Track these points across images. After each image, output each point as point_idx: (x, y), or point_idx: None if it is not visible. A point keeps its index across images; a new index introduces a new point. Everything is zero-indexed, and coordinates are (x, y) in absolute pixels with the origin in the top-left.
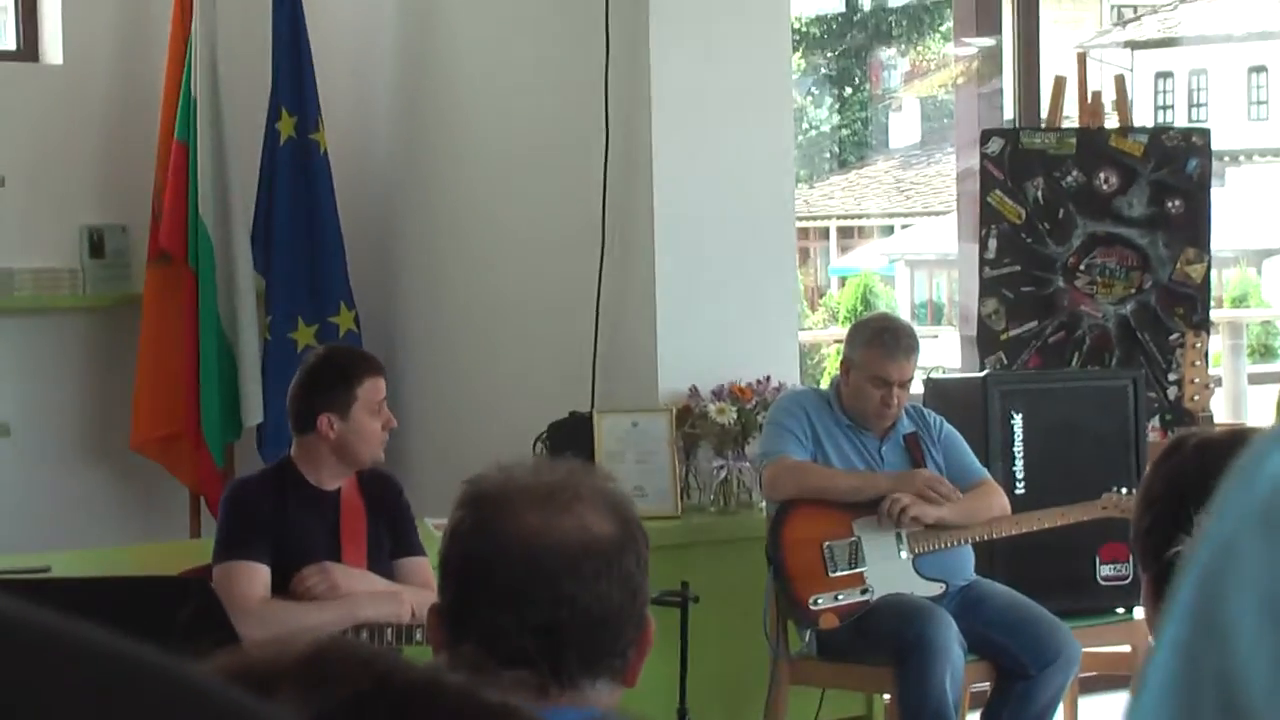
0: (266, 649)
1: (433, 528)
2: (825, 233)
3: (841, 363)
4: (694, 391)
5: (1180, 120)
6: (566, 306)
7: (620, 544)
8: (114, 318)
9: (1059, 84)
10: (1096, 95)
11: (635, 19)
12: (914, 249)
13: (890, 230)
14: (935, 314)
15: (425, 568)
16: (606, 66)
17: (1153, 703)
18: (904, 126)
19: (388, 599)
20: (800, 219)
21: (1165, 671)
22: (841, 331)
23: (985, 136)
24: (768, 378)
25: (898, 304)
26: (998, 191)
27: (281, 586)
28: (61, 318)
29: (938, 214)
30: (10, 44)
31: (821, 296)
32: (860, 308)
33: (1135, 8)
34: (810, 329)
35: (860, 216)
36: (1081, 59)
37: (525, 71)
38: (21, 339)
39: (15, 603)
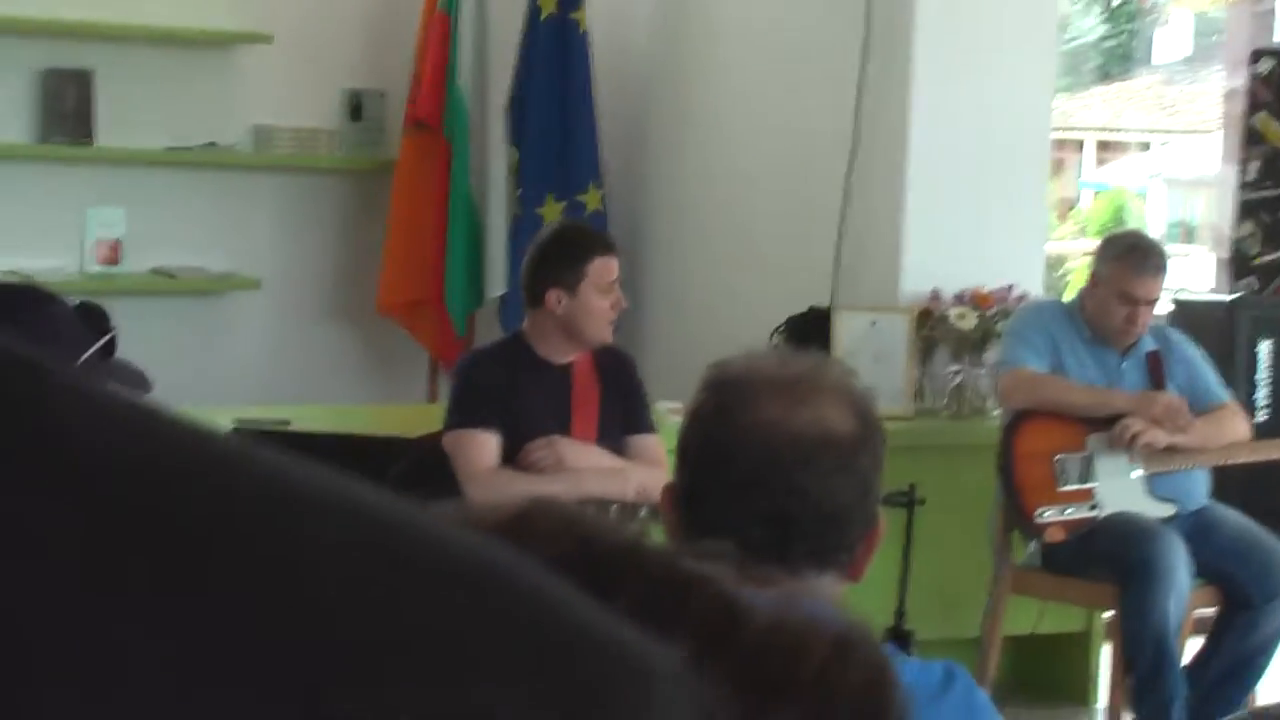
0: (477, 509)
1: (666, 411)
2: (1081, 145)
3: (1089, 276)
4: (935, 295)
5: None
6: (813, 202)
7: (858, 441)
8: (368, 181)
9: None
10: None
11: None
12: (1172, 167)
13: (1148, 146)
14: (1188, 235)
15: (655, 445)
16: None
17: None
18: (1171, 41)
19: (613, 476)
20: (1057, 129)
21: None
22: (1090, 245)
23: (1255, 56)
24: (1011, 286)
25: (1150, 222)
26: (1264, 113)
27: (510, 458)
28: (317, 178)
29: (1200, 133)
30: None
31: (1072, 209)
32: (1111, 223)
33: None
34: (1059, 240)
35: (1119, 130)
36: None
37: None
38: (278, 196)
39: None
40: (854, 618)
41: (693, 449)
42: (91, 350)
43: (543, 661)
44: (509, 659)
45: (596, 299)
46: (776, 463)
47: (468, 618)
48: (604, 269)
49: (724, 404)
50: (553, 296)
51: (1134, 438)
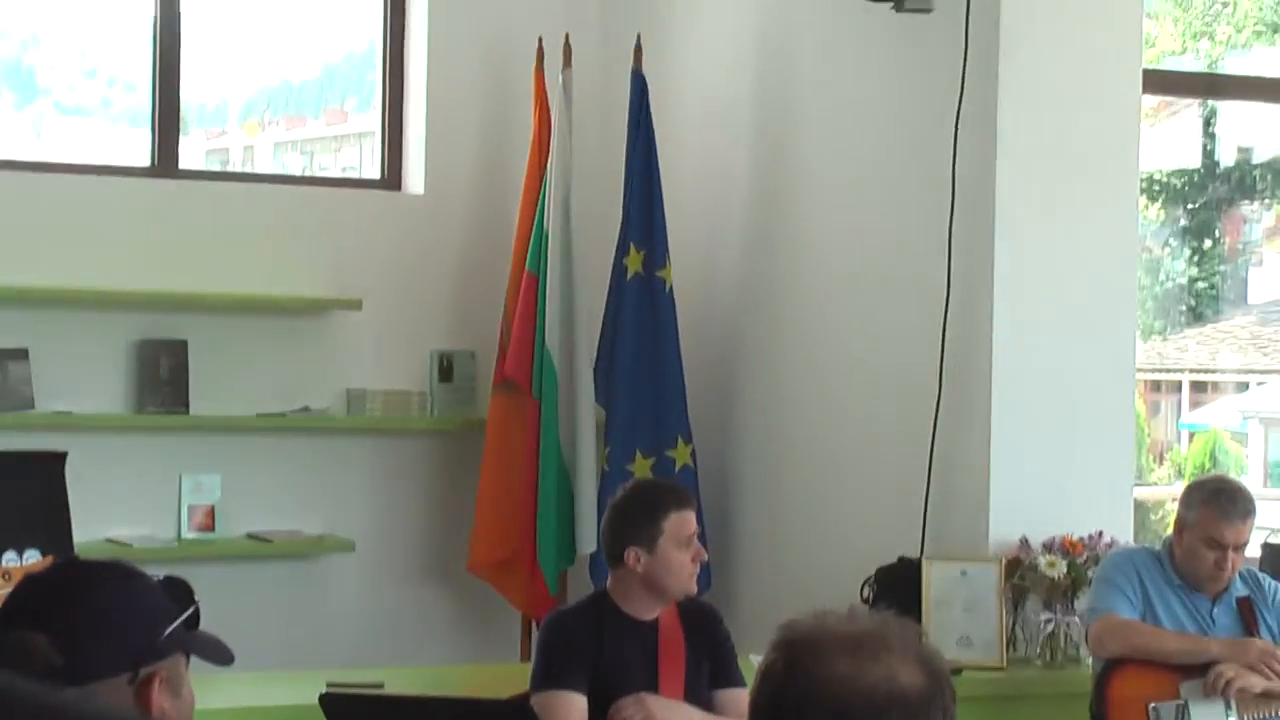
0: None
1: (756, 664)
2: (1178, 386)
3: (1175, 522)
4: (1024, 543)
5: None
6: (900, 450)
7: (927, 696)
8: (459, 441)
9: None
10: None
11: (982, 170)
12: (1270, 406)
13: (1245, 386)
14: None
15: (744, 699)
16: (951, 215)
17: None
18: (1264, 281)
19: None
20: (1153, 371)
21: None
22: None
23: None
24: (1100, 533)
25: (1248, 462)
26: None
27: (599, 717)
28: (409, 439)
29: None
30: (376, 173)
31: (1169, 451)
32: (1208, 464)
33: None
34: (1156, 484)
35: (1214, 371)
36: None
37: (873, 213)
38: (371, 457)
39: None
40: None
41: (765, 707)
42: (176, 623)
43: None
44: None
45: (676, 553)
46: (848, 718)
47: None
48: (681, 523)
49: (794, 661)
50: (631, 555)
51: (1228, 684)
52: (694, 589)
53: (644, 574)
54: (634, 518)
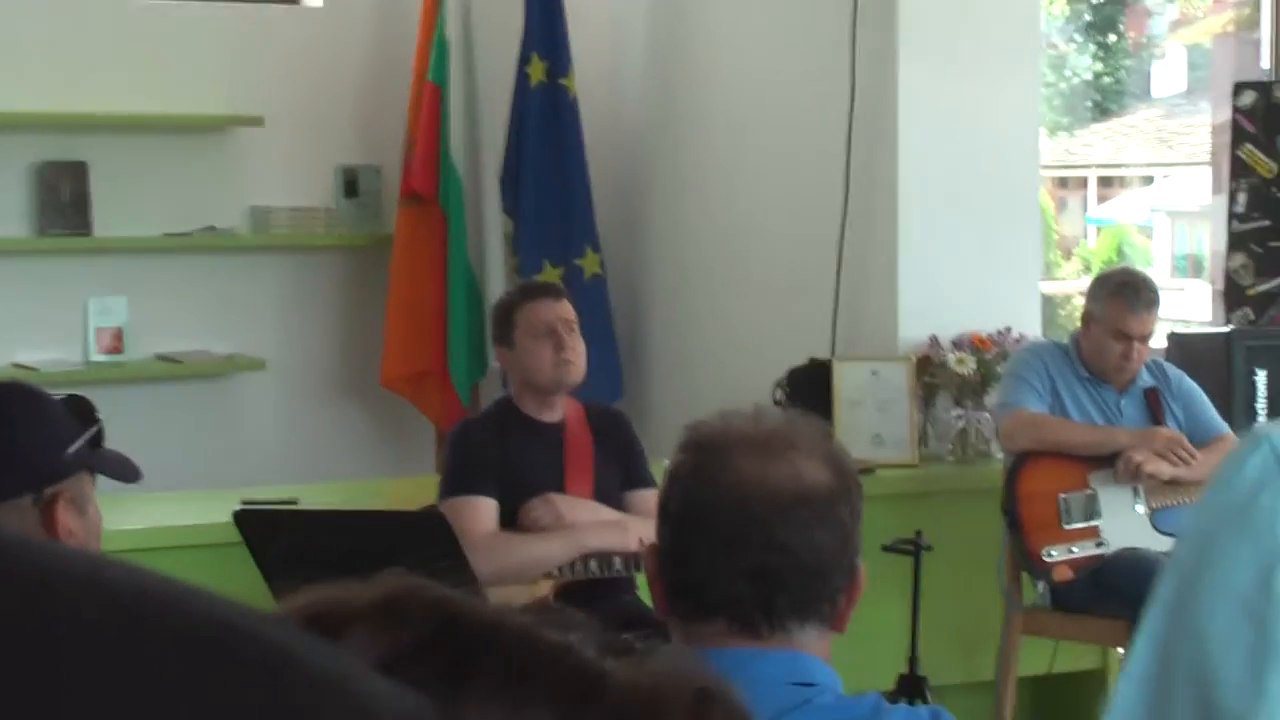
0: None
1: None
2: (1084, 182)
3: (1082, 315)
4: (934, 341)
5: None
6: (809, 254)
7: (834, 492)
8: (366, 256)
9: None
10: None
11: None
12: (1174, 200)
13: (1151, 180)
14: (1195, 267)
15: (655, 499)
16: (855, 13)
17: (1130, 693)
18: (1168, 75)
19: (613, 528)
20: (1059, 168)
21: (1142, 664)
22: None
23: (1238, 89)
24: (1008, 329)
25: (1155, 256)
26: (1249, 145)
27: (512, 521)
28: (316, 256)
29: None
30: None
31: (1076, 247)
32: (1115, 259)
33: None
34: (1064, 279)
35: (1120, 166)
36: None
37: (775, 22)
38: (278, 275)
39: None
40: (713, 672)
41: (673, 509)
42: (80, 441)
43: (272, 703)
44: (236, 704)
45: (533, 344)
46: (755, 519)
47: (198, 670)
48: (532, 313)
49: (701, 464)
50: (498, 353)
51: (1137, 468)
52: (565, 378)
53: (511, 369)
54: (495, 318)
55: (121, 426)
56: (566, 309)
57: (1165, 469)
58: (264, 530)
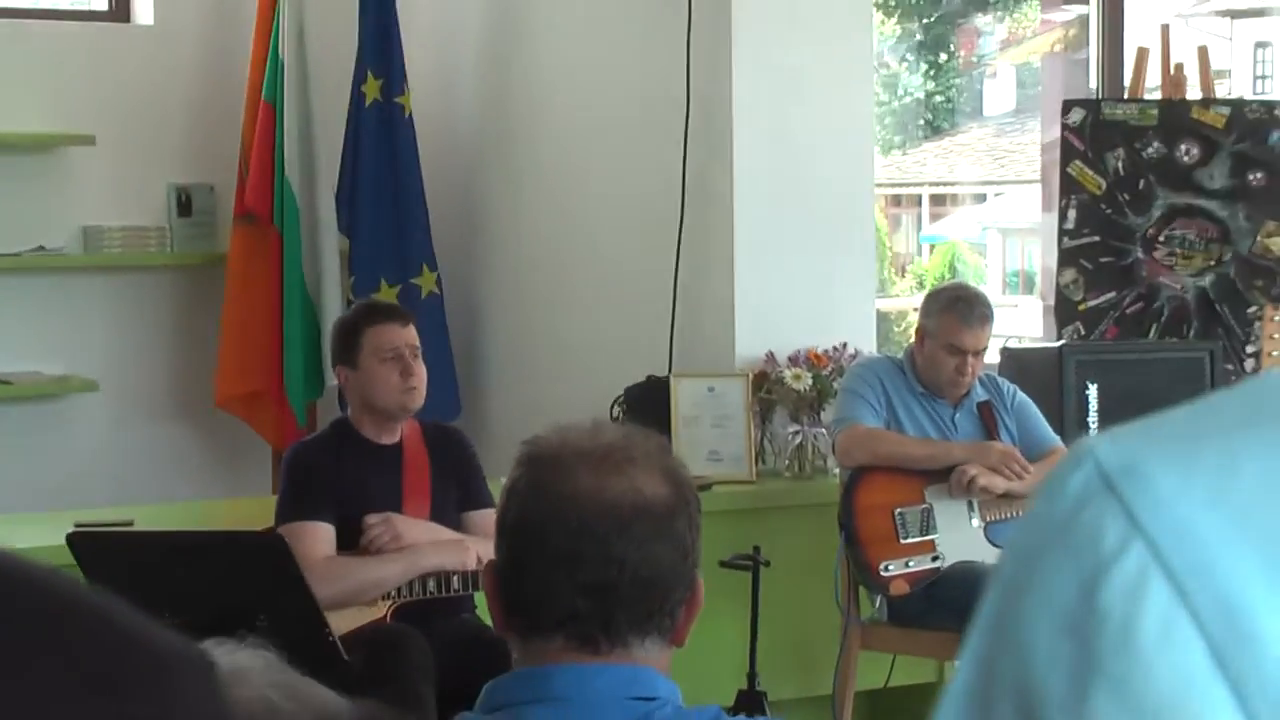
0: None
1: None
2: (918, 200)
3: (916, 330)
4: (770, 357)
5: (1279, 90)
6: (646, 272)
7: (671, 506)
8: (200, 276)
9: (1141, 55)
10: (1179, 67)
11: None
12: (1006, 216)
13: (983, 198)
14: (1027, 283)
15: (493, 519)
16: (689, 32)
17: (952, 709)
18: (998, 94)
19: (452, 547)
20: (893, 185)
21: (963, 682)
22: None
23: (1066, 107)
24: (844, 345)
25: (987, 272)
26: (1078, 162)
27: (349, 544)
28: (149, 275)
29: (1031, 182)
30: (103, 3)
31: (911, 264)
32: (948, 275)
33: None
34: (898, 296)
35: (953, 184)
36: (1165, 30)
37: (608, 36)
38: (110, 296)
39: None
40: None
41: (510, 525)
42: None
43: (79, 650)
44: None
45: (379, 368)
46: (592, 533)
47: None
48: (378, 336)
49: (538, 478)
50: (340, 373)
51: (971, 482)
52: (409, 404)
53: (352, 390)
54: (338, 337)
55: None
56: (413, 334)
57: (999, 483)
58: (99, 553)
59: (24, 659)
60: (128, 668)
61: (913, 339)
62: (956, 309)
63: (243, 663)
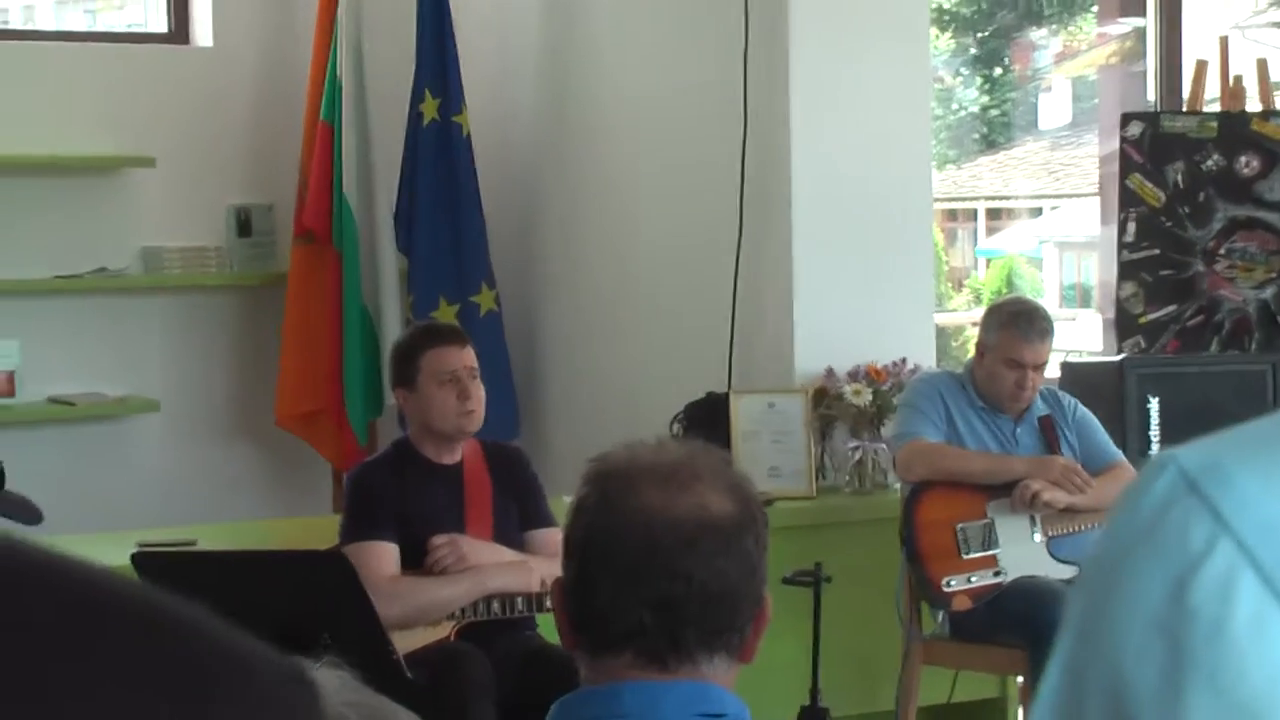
0: None
1: (569, 503)
2: (973, 214)
3: (976, 345)
4: (830, 373)
5: None
6: (705, 288)
7: (739, 523)
8: (260, 296)
9: (1200, 67)
10: (1238, 79)
11: (775, 3)
12: (1062, 230)
13: (1039, 212)
14: (1084, 297)
15: (557, 538)
16: (746, 49)
17: (1044, 717)
18: (1054, 107)
19: (516, 569)
20: (948, 200)
21: (1052, 688)
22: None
23: (1125, 120)
24: (903, 360)
25: (1044, 286)
26: (1137, 175)
27: (412, 563)
28: (209, 296)
29: (1087, 196)
30: (162, 26)
31: (967, 279)
32: (1004, 289)
33: None
34: (954, 310)
35: (1008, 198)
36: (1224, 42)
37: (666, 54)
38: (170, 316)
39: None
40: None
41: (578, 541)
42: None
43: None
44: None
45: (437, 390)
46: (659, 549)
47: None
48: (436, 359)
49: (605, 495)
50: (399, 395)
51: (1034, 497)
52: (467, 427)
53: (411, 413)
54: (396, 359)
55: (15, 470)
56: (470, 356)
57: (1061, 497)
58: (163, 573)
59: (121, 667)
60: (224, 678)
61: (972, 353)
62: (1016, 323)
63: (319, 680)
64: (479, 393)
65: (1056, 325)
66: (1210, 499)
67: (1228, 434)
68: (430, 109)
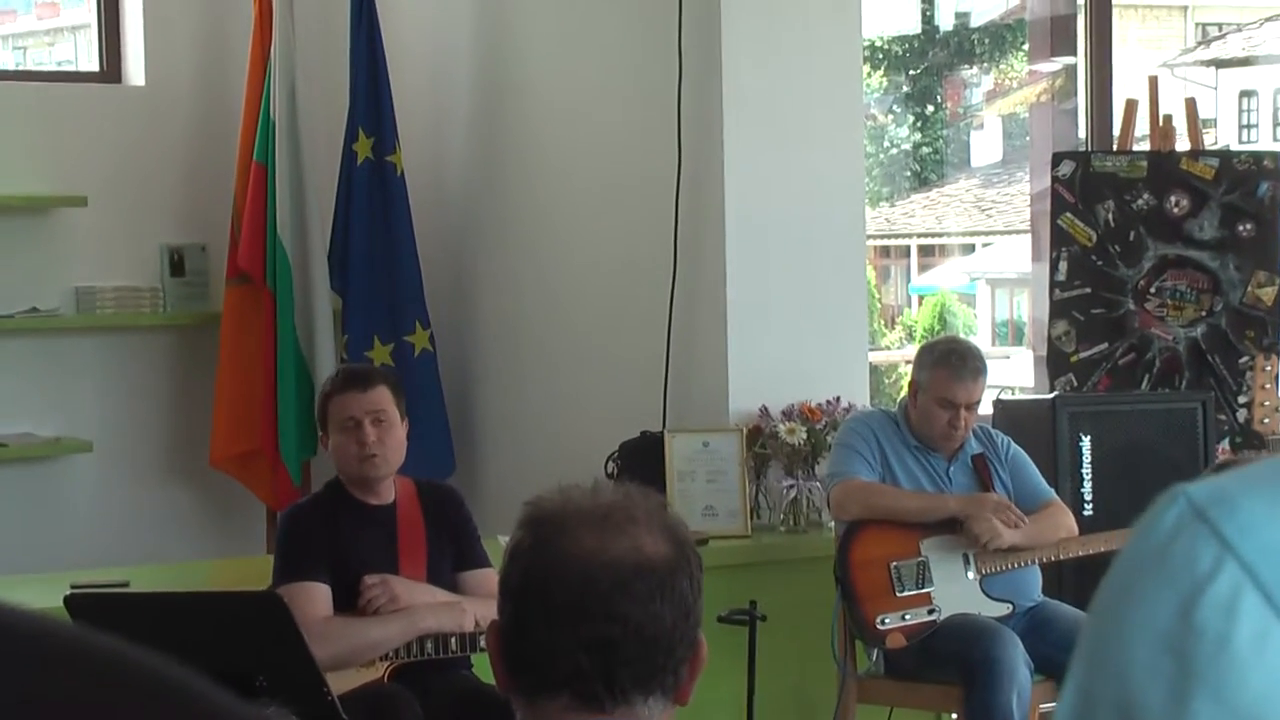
0: None
1: (504, 544)
2: (906, 251)
3: (909, 384)
4: (764, 411)
5: (1265, 139)
6: (639, 327)
7: (673, 565)
8: (194, 336)
9: (1130, 107)
10: (1168, 118)
11: (708, 42)
12: (995, 267)
13: (972, 248)
14: (1016, 334)
15: (491, 579)
16: (679, 88)
17: None
18: (986, 145)
19: (449, 609)
20: (881, 237)
21: (1065, 709)
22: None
23: (1056, 159)
24: (837, 398)
25: (977, 322)
26: (1069, 214)
27: (345, 604)
28: (142, 336)
29: (1019, 233)
30: (94, 65)
31: (900, 315)
32: (938, 327)
33: (1220, 26)
34: (888, 348)
35: (941, 234)
36: (1153, 82)
37: (599, 94)
38: (103, 357)
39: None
40: None
41: (514, 586)
42: None
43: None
44: None
45: (338, 437)
46: (595, 592)
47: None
48: (338, 406)
49: (540, 539)
50: (322, 441)
51: (990, 542)
52: (368, 472)
53: (332, 458)
54: (318, 404)
55: None
56: (374, 399)
57: (1008, 535)
58: (97, 614)
59: None
60: None
61: (905, 391)
62: (949, 363)
63: None
64: (385, 436)
65: (990, 363)
66: (1217, 525)
67: (1237, 471)
68: (364, 148)
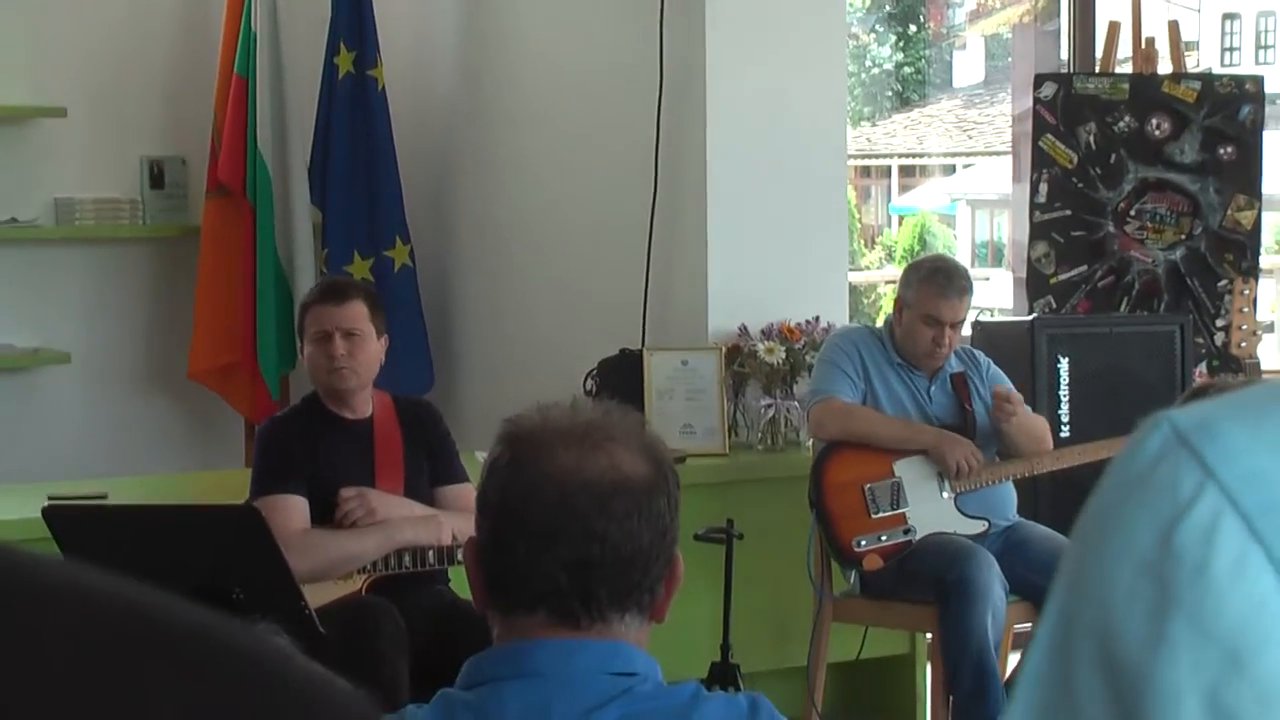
0: None
1: (482, 460)
2: (887, 171)
3: (895, 302)
4: (743, 330)
5: (1247, 62)
6: (619, 245)
7: (651, 484)
8: (173, 248)
9: (1113, 29)
10: (1150, 41)
11: None
12: (975, 188)
13: (953, 169)
14: (996, 255)
15: (468, 494)
16: (661, 8)
17: (1034, 661)
18: (968, 65)
19: (426, 523)
20: (862, 157)
21: (1045, 631)
22: (897, 271)
23: (1038, 81)
24: (816, 318)
25: (956, 244)
26: (1050, 136)
27: (322, 519)
28: (121, 248)
29: (1000, 154)
30: None
31: (880, 236)
32: (917, 247)
33: None
34: (867, 268)
35: (922, 155)
36: (1136, 3)
37: (584, 10)
38: (82, 268)
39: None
40: None
41: (492, 503)
42: None
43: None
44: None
45: (311, 348)
46: (573, 510)
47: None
48: (313, 317)
49: (519, 456)
50: (301, 351)
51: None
52: (336, 384)
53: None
54: (298, 315)
55: None
56: (348, 314)
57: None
58: (74, 527)
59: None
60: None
61: (884, 311)
62: (936, 280)
63: None
64: (356, 350)
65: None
66: (1199, 450)
67: (1221, 398)
68: (345, 62)
